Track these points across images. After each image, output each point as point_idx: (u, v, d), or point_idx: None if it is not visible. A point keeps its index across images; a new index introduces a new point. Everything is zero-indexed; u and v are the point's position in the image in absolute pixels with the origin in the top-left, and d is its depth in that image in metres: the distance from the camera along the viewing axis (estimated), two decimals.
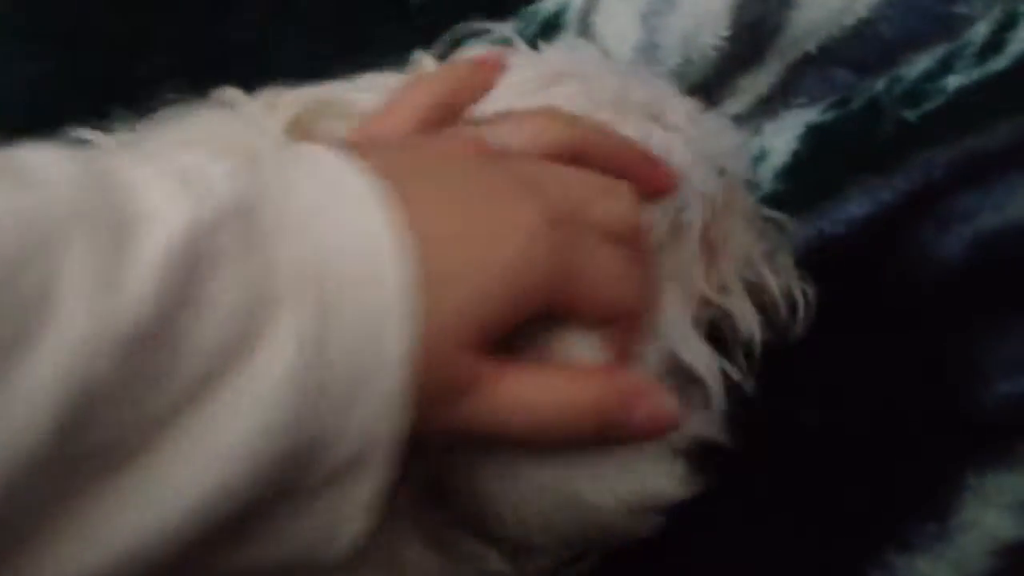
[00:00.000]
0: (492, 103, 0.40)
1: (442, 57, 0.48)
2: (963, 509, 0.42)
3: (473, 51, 0.47)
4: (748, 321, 0.44)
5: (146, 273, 0.23)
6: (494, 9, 0.72)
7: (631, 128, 0.40)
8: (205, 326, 0.23)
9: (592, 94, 0.40)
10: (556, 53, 0.47)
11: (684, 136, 0.44)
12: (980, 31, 0.65)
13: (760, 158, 0.67)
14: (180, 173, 0.26)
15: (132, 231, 0.23)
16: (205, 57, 0.72)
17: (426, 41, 0.74)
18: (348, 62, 0.73)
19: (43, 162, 0.24)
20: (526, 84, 0.40)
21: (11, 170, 0.23)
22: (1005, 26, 0.64)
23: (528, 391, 0.30)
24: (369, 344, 0.25)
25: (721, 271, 0.45)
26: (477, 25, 0.48)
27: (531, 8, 0.71)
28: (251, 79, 0.73)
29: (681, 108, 0.46)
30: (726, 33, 0.69)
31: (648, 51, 0.70)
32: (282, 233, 0.26)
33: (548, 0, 0.72)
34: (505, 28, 0.49)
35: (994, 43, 0.64)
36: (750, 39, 0.70)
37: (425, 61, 0.46)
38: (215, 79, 0.72)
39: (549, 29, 0.70)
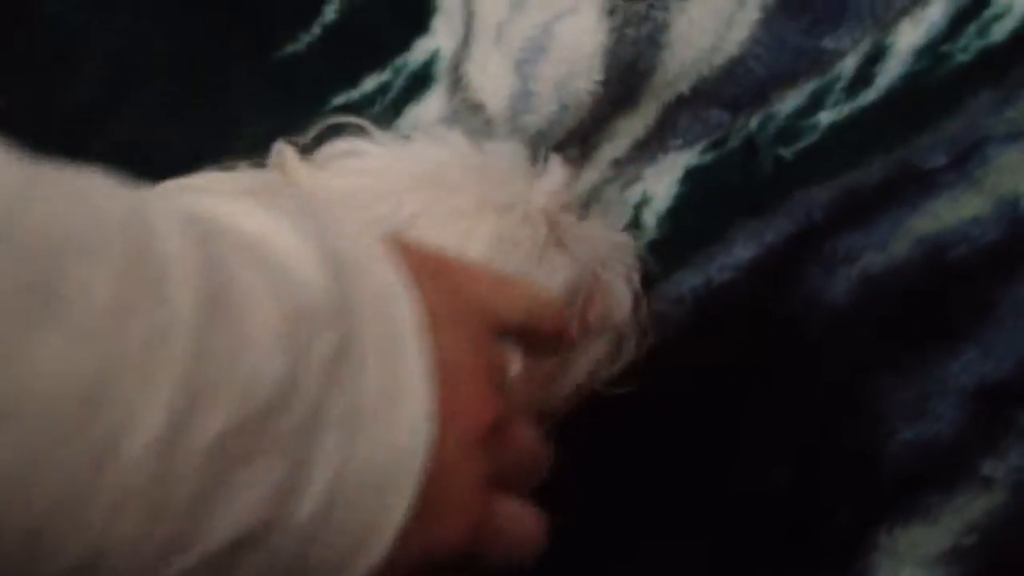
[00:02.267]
0: (352, 207, 0.41)
1: (306, 148, 0.46)
2: (877, 571, 0.41)
3: (337, 145, 0.45)
4: None
5: None
6: (362, 60, 0.70)
7: (488, 229, 0.41)
8: None
9: (450, 200, 0.42)
10: (417, 150, 0.47)
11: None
12: (848, 65, 0.65)
13: (643, 203, 0.66)
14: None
15: None
16: (51, 117, 0.68)
17: (289, 96, 0.71)
18: (207, 118, 0.70)
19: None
20: (384, 191, 0.41)
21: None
22: (873, 59, 0.64)
23: None
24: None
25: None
26: (341, 118, 0.46)
27: (399, 59, 0.69)
28: (100, 137, 0.69)
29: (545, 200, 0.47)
30: (599, 77, 0.68)
31: (523, 99, 0.68)
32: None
33: (417, 50, 0.69)
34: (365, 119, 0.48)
35: (863, 77, 0.64)
36: (623, 82, 0.69)
37: (287, 152, 0.45)
38: (65, 141, 0.68)
39: (419, 81, 0.67)
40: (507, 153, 0.50)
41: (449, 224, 0.41)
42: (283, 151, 0.43)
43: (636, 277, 0.52)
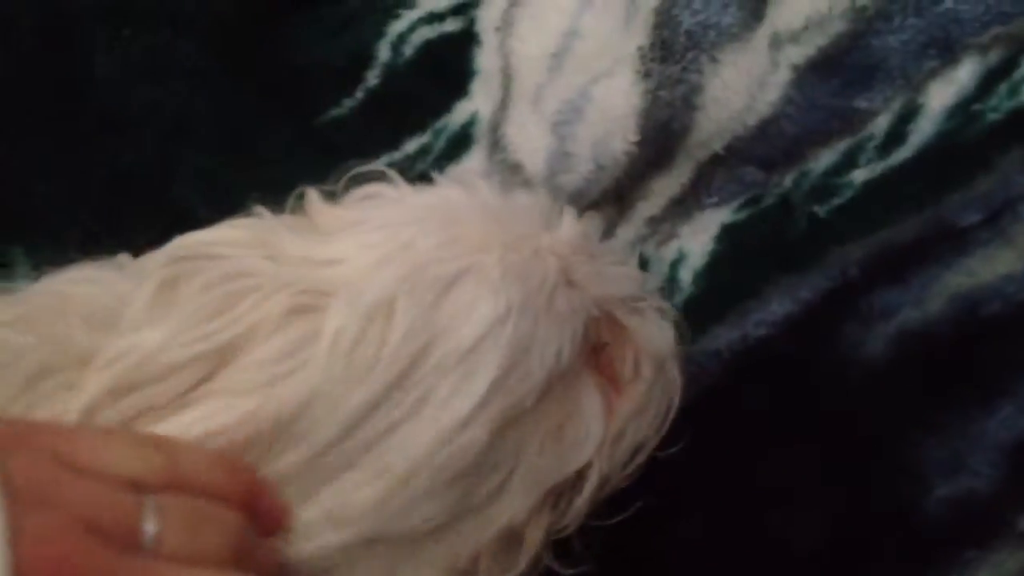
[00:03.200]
0: (351, 235, 0.42)
1: (332, 193, 0.48)
2: None
3: (364, 189, 0.46)
4: None
5: None
6: (403, 123, 0.71)
7: (492, 261, 0.42)
8: None
9: (453, 230, 0.42)
10: (435, 191, 0.48)
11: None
12: (881, 124, 0.65)
13: (679, 261, 0.67)
14: None
15: None
16: (101, 181, 0.70)
17: (332, 159, 0.73)
18: (252, 183, 0.71)
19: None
20: (388, 221, 0.42)
21: None
22: (905, 118, 0.65)
23: None
24: None
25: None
26: (368, 168, 0.47)
27: (440, 122, 0.70)
28: (147, 202, 0.71)
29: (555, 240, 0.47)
30: (635, 138, 0.69)
31: (560, 159, 0.69)
32: None
33: (457, 112, 0.71)
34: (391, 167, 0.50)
35: (896, 135, 0.65)
36: (659, 142, 0.70)
37: (311, 195, 0.47)
38: (112, 204, 0.70)
39: (459, 143, 0.69)
40: (526, 200, 0.51)
41: (449, 253, 0.42)
42: (308, 194, 0.45)
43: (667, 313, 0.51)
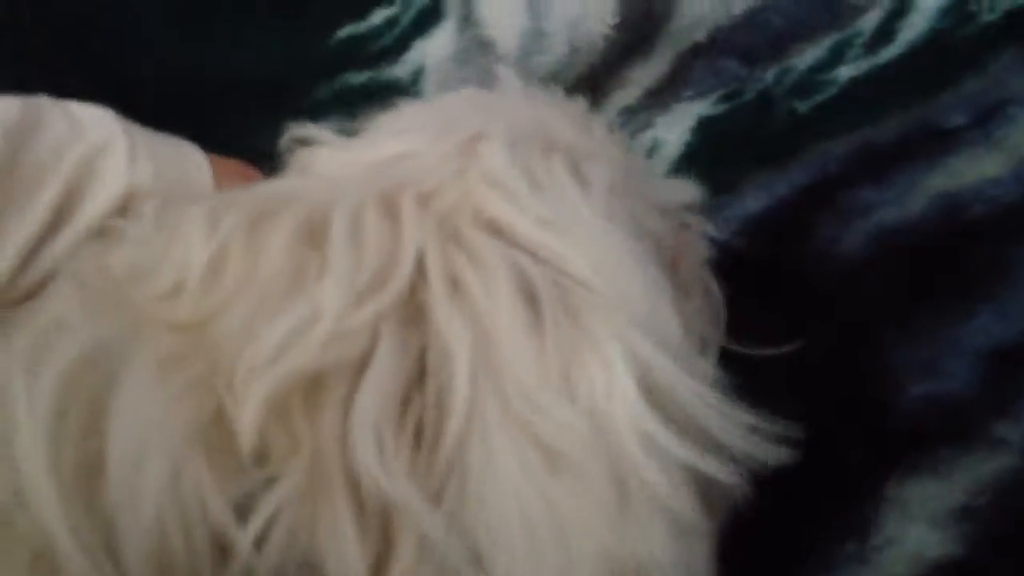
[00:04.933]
0: (417, 167, 0.37)
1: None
2: (884, 525, 0.38)
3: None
4: None
5: None
6: None
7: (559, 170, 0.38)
8: None
9: (519, 156, 0.38)
10: (462, 102, 0.44)
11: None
12: (871, 20, 0.62)
13: (652, 151, 0.64)
14: None
15: None
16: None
17: (296, 27, 0.69)
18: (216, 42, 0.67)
19: None
20: (449, 149, 0.38)
21: None
22: (896, 15, 0.62)
23: None
24: None
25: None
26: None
27: None
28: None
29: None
30: (614, 20, 0.66)
31: (534, 38, 0.65)
32: None
33: None
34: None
35: (886, 32, 0.62)
36: (638, 27, 0.67)
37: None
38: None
39: (428, 16, 0.64)
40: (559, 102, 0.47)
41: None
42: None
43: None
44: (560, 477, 0.30)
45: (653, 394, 0.31)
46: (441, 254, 0.34)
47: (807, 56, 0.64)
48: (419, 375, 0.31)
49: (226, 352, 0.31)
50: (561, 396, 0.31)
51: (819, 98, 0.62)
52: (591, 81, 0.67)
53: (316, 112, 0.64)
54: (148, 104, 0.47)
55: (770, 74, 0.64)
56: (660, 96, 0.67)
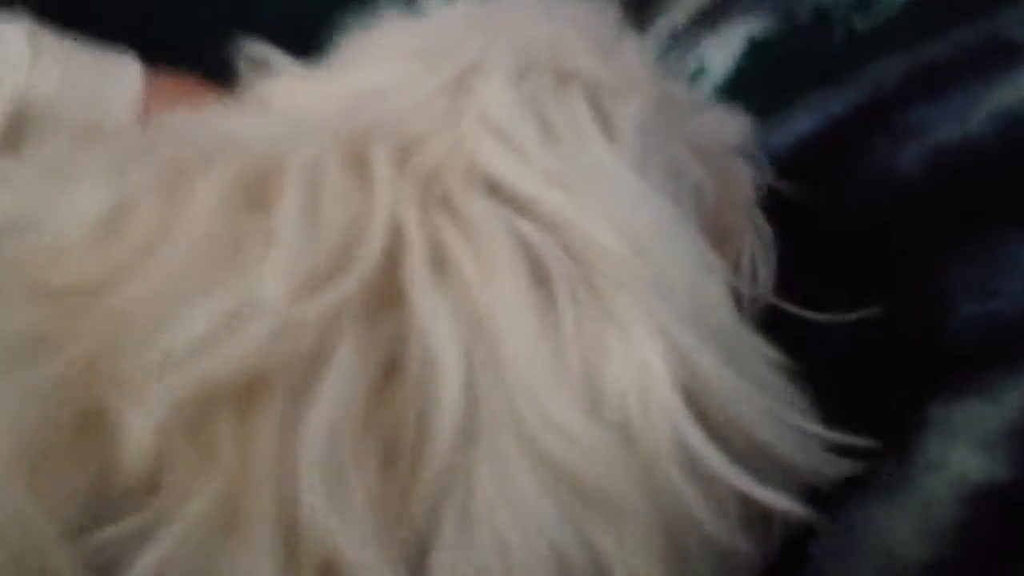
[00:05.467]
0: (395, 108, 0.30)
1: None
2: (926, 447, 0.36)
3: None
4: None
5: None
6: None
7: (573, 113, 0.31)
8: None
9: (527, 93, 0.31)
10: (459, 19, 0.36)
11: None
12: None
13: (699, 73, 0.61)
14: None
15: None
16: None
17: None
18: None
19: None
20: (437, 83, 0.31)
21: None
22: None
23: None
24: None
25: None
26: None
27: None
28: None
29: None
30: None
31: None
32: None
33: None
34: None
35: None
36: None
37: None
38: None
39: None
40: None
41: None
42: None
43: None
44: (595, 512, 0.24)
45: (699, 402, 0.25)
46: (423, 223, 0.27)
47: None
48: (392, 381, 0.25)
49: (118, 335, 0.23)
50: (584, 408, 0.24)
51: (879, 15, 0.58)
52: (639, 2, 0.64)
53: None
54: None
55: None
56: (711, 16, 0.64)
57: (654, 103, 0.34)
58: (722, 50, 0.60)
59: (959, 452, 0.35)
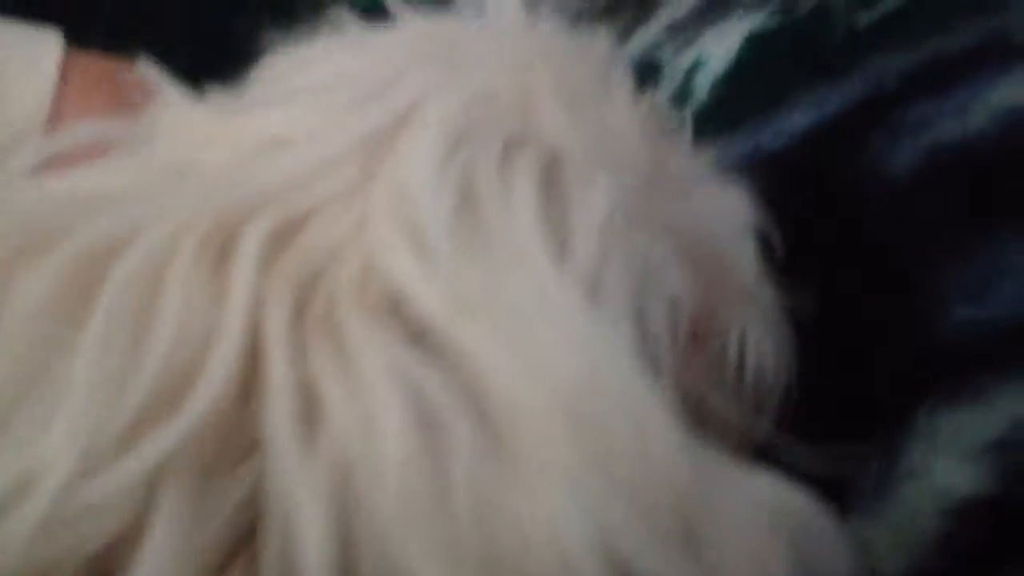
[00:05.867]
0: (293, 169, 0.24)
1: None
2: (909, 455, 0.34)
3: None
4: None
5: None
6: None
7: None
8: None
9: (459, 165, 0.24)
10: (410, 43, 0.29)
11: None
12: None
13: (696, 67, 0.59)
14: None
15: None
16: None
17: None
18: None
19: None
20: (355, 134, 0.24)
21: None
22: None
23: None
24: None
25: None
26: None
27: None
28: None
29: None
30: None
31: None
32: None
33: None
34: None
35: None
36: None
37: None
38: None
39: None
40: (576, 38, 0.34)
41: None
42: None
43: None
44: None
45: None
46: (290, 347, 0.20)
47: None
48: (243, 558, 0.19)
49: None
50: None
51: (881, 11, 0.56)
52: None
53: None
54: None
55: None
56: (710, 10, 0.62)
57: (637, 181, 0.28)
58: (722, 43, 0.58)
59: (944, 462, 0.33)
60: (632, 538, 0.20)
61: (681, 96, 0.56)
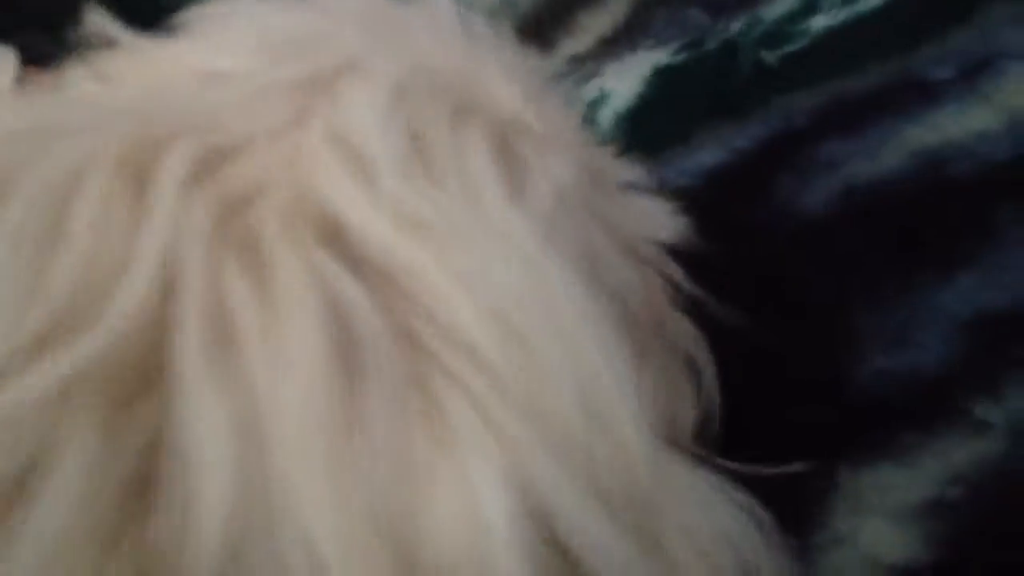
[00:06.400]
0: (228, 100, 0.22)
1: None
2: (832, 519, 0.30)
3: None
4: None
5: None
6: None
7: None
8: None
9: (404, 111, 0.22)
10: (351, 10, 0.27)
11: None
12: None
13: (599, 101, 0.56)
14: None
15: None
16: None
17: None
18: None
19: None
20: (293, 76, 0.23)
21: None
22: None
23: None
24: None
25: None
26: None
27: None
28: None
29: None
30: None
31: None
32: None
33: None
34: None
35: None
36: None
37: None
38: None
39: None
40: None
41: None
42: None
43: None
44: None
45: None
46: (208, 273, 0.19)
47: (778, 6, 0.57)
48: (146, 493, 0.17)
49: None
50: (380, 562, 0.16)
51: (789, 48, 0.54)
52: (536, 27, 0.60)
53: None
54: None
55: (737, 24, 0.57)
56: (614, 45, 0.59)
57: (581, 171, 0.26)
58: (626, 77, 0.56)
59: (870, 525, 0.30)
60: (565, 498, 0.17)
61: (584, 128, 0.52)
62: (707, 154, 0.50)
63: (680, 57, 0.57)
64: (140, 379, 0.18)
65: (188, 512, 0.17)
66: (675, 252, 0.38)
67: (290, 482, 0.17)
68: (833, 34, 0.54)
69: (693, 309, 0.36)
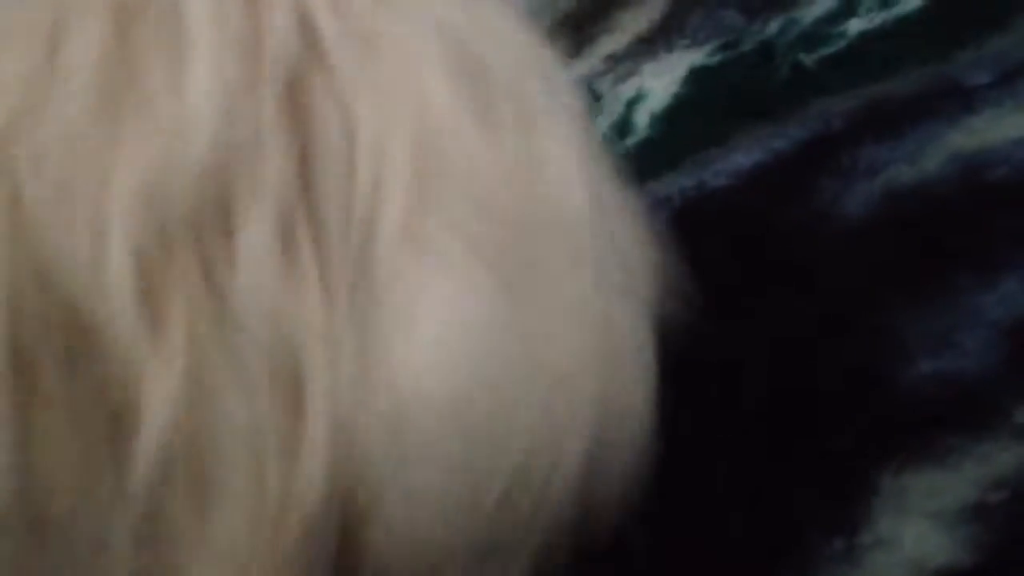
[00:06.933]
0: None
1: None
2: (877, 522, 0.31)
3: None
4: None
5: None
6: None
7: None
8: None
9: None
10: None
11: None
12: None
13: (636, 100, 0.56)
14: None
15: None
16: None
17: None
18: None
19: None
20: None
21: None
22: None
23: None
24: None
25: None
26: None
27: None
28: None
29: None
30: None
31: None
32: None
33: None
34: None
35: None
36: None
37: None
38: None
39: None
40: None
41: None
42: None
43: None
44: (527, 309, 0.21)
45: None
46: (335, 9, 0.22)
47: (815, 8, 0.57)
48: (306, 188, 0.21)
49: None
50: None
51: (827, 51, 0.55)
52: (574, 24, 0.60)
53: None
54: None
55: (773, 25, 0.57)
56: (651, 44, 0.59)
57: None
58: (663, 76, 0.56)
59: (914, 528, 0.30)
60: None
61: (621, 128, 0.53)
62: (744, 156, 0.50)
63: (716, 58, 0.57)
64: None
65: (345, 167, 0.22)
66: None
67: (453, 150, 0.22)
68: (871, 37, 0.55)
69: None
